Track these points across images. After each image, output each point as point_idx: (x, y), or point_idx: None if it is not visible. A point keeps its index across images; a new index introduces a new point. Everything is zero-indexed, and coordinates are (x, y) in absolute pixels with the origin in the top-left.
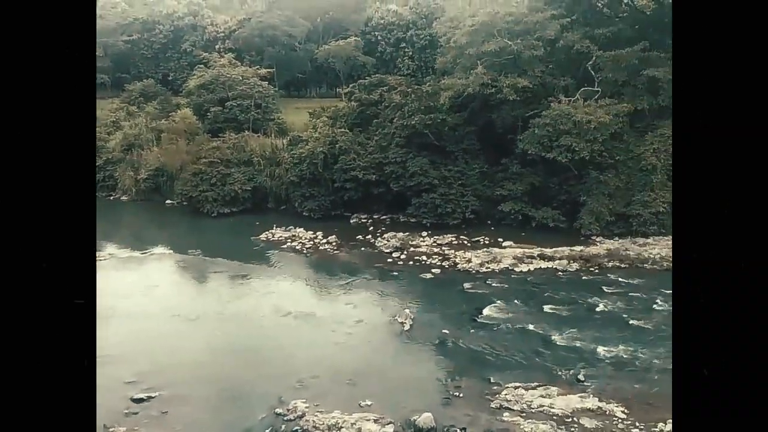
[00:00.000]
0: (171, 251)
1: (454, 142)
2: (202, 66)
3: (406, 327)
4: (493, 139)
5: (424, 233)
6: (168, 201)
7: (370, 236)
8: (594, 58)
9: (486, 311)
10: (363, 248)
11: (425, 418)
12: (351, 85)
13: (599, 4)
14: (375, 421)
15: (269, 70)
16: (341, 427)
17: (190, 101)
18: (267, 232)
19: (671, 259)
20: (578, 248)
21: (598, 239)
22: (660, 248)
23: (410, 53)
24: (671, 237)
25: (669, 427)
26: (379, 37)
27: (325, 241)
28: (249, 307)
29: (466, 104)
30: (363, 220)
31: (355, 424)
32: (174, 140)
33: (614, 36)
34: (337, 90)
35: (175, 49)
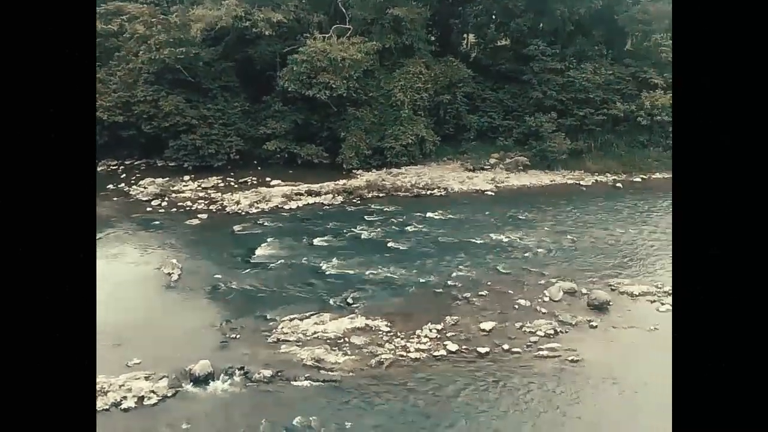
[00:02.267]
0: None
1: (211, 79)
2: None
3: (174, 277)
4: (252, 75)
5: (186, 177)
6: None
7: (123, 184)
8: None
9: (258, 251)
10: (116, 198)
11: (201, 365)
12: None
13: None
14: (146, 378)
15: None
16: (107, 391)
17: None
18: None
19: (422, 187)
20: (342, 182)
21: (358, 172)
22: (410, 177)
23: None
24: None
25: (426, 332)
26: None
27: None
28: None
29: (220, 38)
30: (113, 167)
31: (123, 385)
32: None
33: None
34: None
35: None
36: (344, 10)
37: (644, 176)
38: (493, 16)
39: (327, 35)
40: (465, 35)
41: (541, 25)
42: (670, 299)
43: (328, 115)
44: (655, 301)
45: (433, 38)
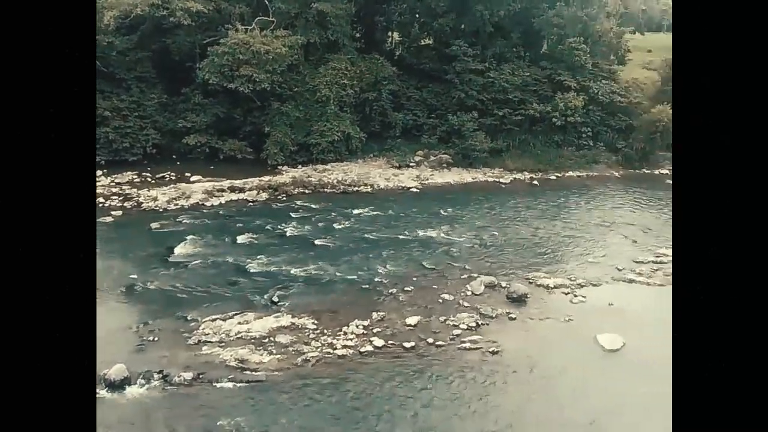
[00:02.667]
0: None
1: (126, 69)
2: None
3: None
4: (170, 67)
5: (99, 172)
6: None
7: None
8: None
9: (178, 249)
10: None
11: (116, 370)
12: None
13: None
14: None
15: None
16: None
17: None
18: None
19: (349, 183)
20: (266, 178)
21: (283, 168)
22: (336, 174)
23: None
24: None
25: (352, 328)
26: None
27: None
28: None
29: (135, 26)
30: None
31: None
32: None
33: None
34: None
35: None
36: (267, 3)
37: (559, 174)
38: (417, 15)
39: (249, 27)
40: (389, 33)
41: (463, 25)
42: (582, 291)
43: (252, 109)
44: (569, 293)
45: (358, 35)
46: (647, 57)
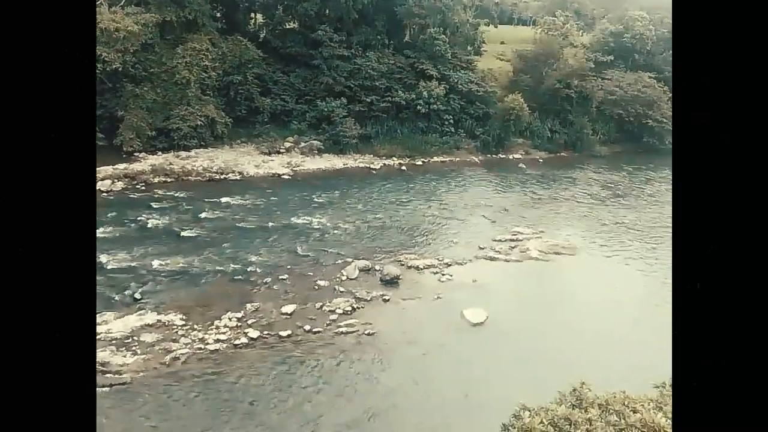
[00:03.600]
0: None
1: None
2: None
3: None
4: None
5: None
6: None
7: None
8: None
9: None
10: None
11: None
12: None
13: None
14: None
15: None
16: None
17: None
18: None
19: (215, 171)
20: (122, 166)
21: (141, 155)
22: (202, 160)
23: None
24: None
25: (225, 321)
26: None
27: None
28: None
29: None
30: None
31: None
32: None
33: None
34: None
35: None
36: None
37: (425, 160)
38: None
39: (97, 3)
40: (252, 14)
41: (327, 11)
42: (449, 270)
43: (103, 91)
44: (437, 272)
45: (218, 14)
46: (500, 48)
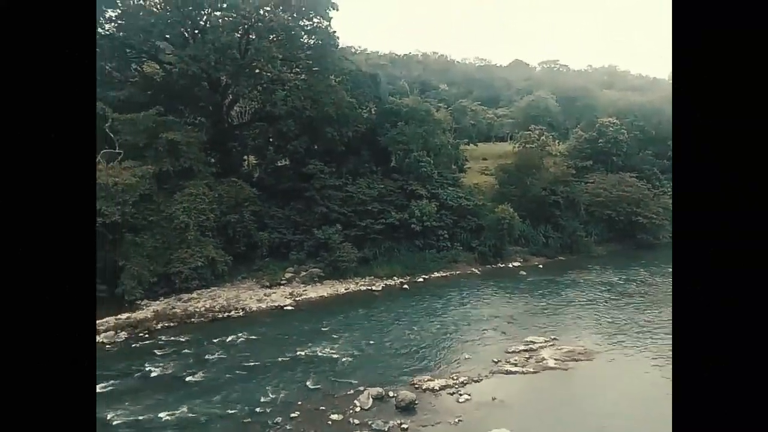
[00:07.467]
0: None
1: None
2: None
3: None
4: None
5: None
6: None
7: None
8: (110, 120)
9: None
10: None
11: None
12: None
13: (108, 68)
14: None
15: None
16: None
17: None
18: None
19: (218, 310)
20: (124, 315)
21: (143, 302)
22: (204, 301)
23: None
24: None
25: None
26: None
27: None
28: None
29: None
30: None
31: None
32: None
33: (127, 99)
34: None
35: None
36: (112, 135)
37: (425, 276)
38: (271, 139)
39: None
40: (245, 157)
41: (316, 146)
42: (466, 388)
43: (103, 243)
44: (454, 393)
45: (212, 160)
46: (483, 164)
